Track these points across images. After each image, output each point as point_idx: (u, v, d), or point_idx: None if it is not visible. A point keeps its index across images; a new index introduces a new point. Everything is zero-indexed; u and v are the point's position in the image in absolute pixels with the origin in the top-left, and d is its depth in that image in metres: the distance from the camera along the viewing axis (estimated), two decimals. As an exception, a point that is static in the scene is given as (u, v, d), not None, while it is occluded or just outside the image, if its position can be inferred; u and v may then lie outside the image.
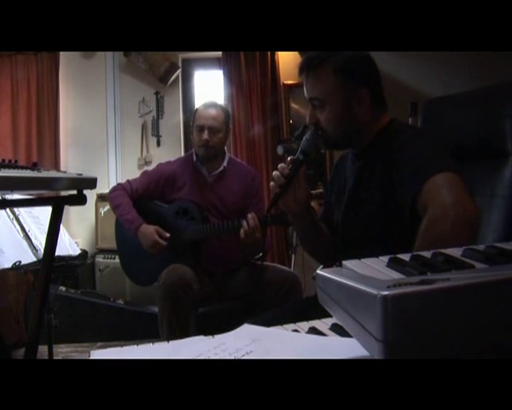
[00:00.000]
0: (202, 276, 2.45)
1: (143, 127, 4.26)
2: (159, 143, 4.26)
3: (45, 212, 2.31)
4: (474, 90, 1.46)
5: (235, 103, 4.04)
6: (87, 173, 1.84)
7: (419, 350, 0.46)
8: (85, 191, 1.76)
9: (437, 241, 1.14)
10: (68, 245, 2.49)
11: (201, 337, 0.77)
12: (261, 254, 2.55)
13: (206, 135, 2.49)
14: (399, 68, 3.84)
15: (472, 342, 0.47)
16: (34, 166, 1.71)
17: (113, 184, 3.58)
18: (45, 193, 2.66)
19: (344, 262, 0.62)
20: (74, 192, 1.76)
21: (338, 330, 0.76)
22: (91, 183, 1.78)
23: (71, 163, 4.20)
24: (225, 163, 2.58)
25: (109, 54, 4.20)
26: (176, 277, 2.28)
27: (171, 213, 2.54)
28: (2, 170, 1.48)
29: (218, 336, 0.76)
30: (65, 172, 1.91)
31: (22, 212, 2.34)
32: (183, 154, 4.24)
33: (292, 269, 3.02)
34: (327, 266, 1.50)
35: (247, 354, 0.67)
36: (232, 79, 4.10)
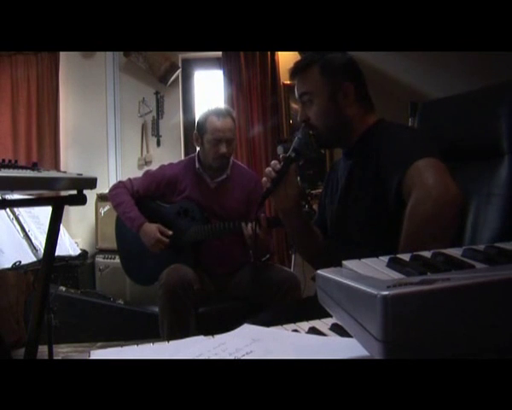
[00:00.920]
0: (203, 276, 2.45)
1: (143, 127, 4.26)
2: (159, 143, 4.27)
3: (45, 212, 2.31)
4: (468, 91, 1.47)
5: (235, 103, 4.04)
6: (87, 173, 1.84)
7: (419, 350, 0.46)
8: (85, 191, 1.76)
9: (422, 222, 1.17)
10: (68, 245, 2.49)
11: (201, 337, 0.77)
12: (267, 255, 2.52)
13: (224, 148, 2.42)
14: (399, 68, 3.84)
15: (472, 342, 0.47)
16: (34, 166, 1.71)
17: (113, 183, 3.57)
18: (45, 193, 2.66)
19: (344, 262, 0.62)
20: (74, 192, 1.76)
21: (338, 330, 0.76)
22: (91, 183, 1.78)
23: (71, 163, 4.20)
24: (229, 171, 2.55)
25: (109, 54, 4.21)
26: (177, 277, 2.28)
27: (173, 213, 2.54)
28: (2, 170, 1.48)
29: (218, 336, 0.76)
30: (65, 172, 1.90)
31: (22, 212, 2.34)
32: (182, 154, 4.25)
33: (292, 269, 3.02)
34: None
35: (247, 354, 0.67)
36: (232, 79, 4.11)
